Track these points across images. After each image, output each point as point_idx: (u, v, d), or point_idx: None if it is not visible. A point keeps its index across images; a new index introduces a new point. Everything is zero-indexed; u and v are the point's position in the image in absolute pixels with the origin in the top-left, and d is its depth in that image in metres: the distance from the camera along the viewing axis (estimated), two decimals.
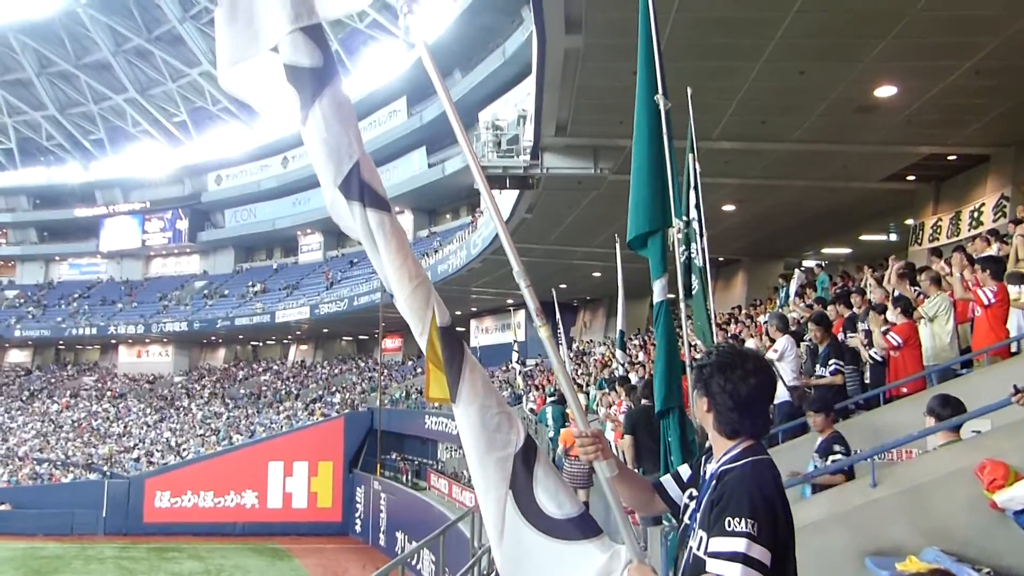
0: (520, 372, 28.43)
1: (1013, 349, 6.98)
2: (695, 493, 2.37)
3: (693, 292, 6.19)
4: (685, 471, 2.54)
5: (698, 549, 2.11)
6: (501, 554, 2.25)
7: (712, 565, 2.01)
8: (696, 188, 6.75)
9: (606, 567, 2.17)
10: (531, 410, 22.10)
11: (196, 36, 45.64)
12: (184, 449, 37.70)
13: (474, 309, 38.64)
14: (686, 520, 2.35)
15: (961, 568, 4.04)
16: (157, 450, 38.37)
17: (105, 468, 36.13)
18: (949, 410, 5.05)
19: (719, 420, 2.27)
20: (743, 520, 2.00)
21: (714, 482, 2.19)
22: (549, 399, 17.78)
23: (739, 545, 1.97)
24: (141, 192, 55.36)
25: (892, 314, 7.85)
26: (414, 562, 20.27)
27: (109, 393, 47.97)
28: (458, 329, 2.41)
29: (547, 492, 2.24)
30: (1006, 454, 4.32)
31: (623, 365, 13.25)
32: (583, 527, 2.22)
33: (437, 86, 2.38)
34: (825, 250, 24.11)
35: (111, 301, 53.24)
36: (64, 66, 49.82)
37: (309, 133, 2.35)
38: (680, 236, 5.87)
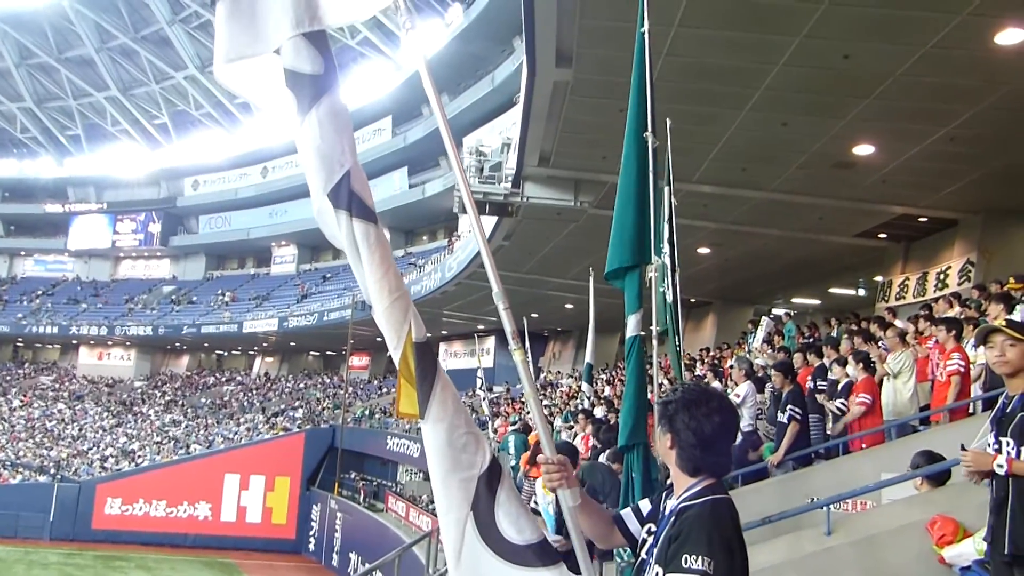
0: (485, 399, 28.30)
1: (971, 409, 7.12)
2: (654, 528, 2.38)
3: (664, 330, 6.24)
4: (645, 506, 2.55)
5: None
6: (458, 575, 2.24)
7: None
8: (671, 224, 6.84)
9: None
10: (493, 438, 21.95)
11: (184, 39, 45.47)
12: (139, 456, 36.87)
13: (444, 332, 38.49)
14: (643, 555, 2.35)
15: None
16: (111, 455, 37.47)
17: (55, 471, 35.16)
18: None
19: (682, 456, 2.29)
20: (700, 558, 2.01)
21: (673, 518, 2.21)
22: (511, 428, 17.71)
23: None
24: (115, 192, 54.58)
25: (852, 368, 7.97)
26: None
27: (66, 394, 46.86)
28: None
29: (508, 517, 2.25)
30: (957, 511, 4.40)
31: (588, 398, 13.27)
32: (541, 554, 2.23)
33: (433, 101, 2.43)
34: (795, 299, 24.48)
35: (75, 300, 52.22)
36: (45, 58, 49.21)
37: (303, 139, 2.37)
38: (656, 274, 5.94)
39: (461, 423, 2.31)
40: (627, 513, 2.57)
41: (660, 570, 2.11)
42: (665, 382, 6.45)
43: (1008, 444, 3.33)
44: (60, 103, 52.09)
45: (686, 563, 2.02)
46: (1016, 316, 7.05)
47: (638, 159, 4.87)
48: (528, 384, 2.40)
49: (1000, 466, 3.34)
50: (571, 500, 2.33)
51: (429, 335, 2.37)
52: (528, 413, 19.51)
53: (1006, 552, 3.32)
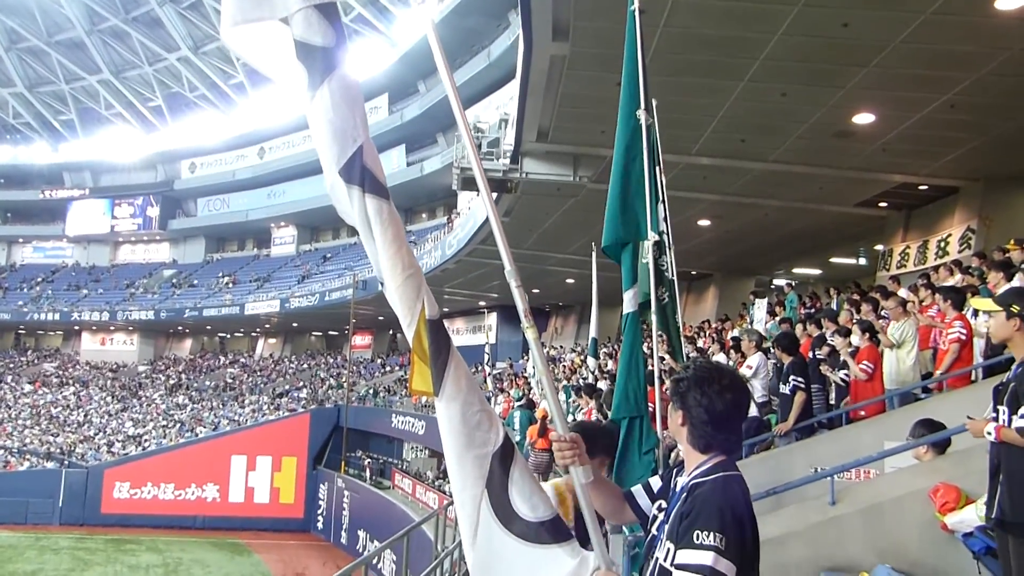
0: (490, 375, 28.47)
1: (972, 377, 7.17)
2: (664, 505, 2.40)
3: (664, 304, 6.27)
4: (656, 482, 2.58)
5: (665, 560, 2.15)
6: (473, 553, 2.26)
7: None
8: (663, 201, 6.84)
9: (575, 572, 2.21)
10: (499, 414, 22.11)
11: (176, 20, 45.03)
12: (146, 440, 37.12)
13: (446, 310, 38.59)
14: (653, 531, 2.38)
15: None
16: (118, 440, 37.72)
17: (63, 457, 35.42)
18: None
19: (693, 434, 2.31)
20: (712, 534, 2.04)
21: (684, 495, 2.23)
22: (516, 404, 17.82)
23: (707, 558, 2.01)
24: (112, 176, 54.43)
25: (857, 338, 8.01)
26: (376, 562, 20.19)
27: (71, 381, 47.05)
28: None
29: (522, 494, 2.26)
30: (959, 479, 4.46)
31: (594, 373, 13.33)
32: (554, 531, 2.25)
33: (441, 68, 2.39)
34: (796, 270, 24.49)
35: (76, 286, 52.25)
36: (35, 42, 48.75)
37: (315, 112, 2.33)
38: (653, 249, 5.95)
39: (475, 400, 2.31)
40: (638, 490, 2.60)
41: (671, 546, 2.14)
42: (667, 356, 6.48)
43: (1003, 412, 3.39)
44: (52, 87, 51.70)
45: (698, 539, 2.04)
46: (1016, 283, 7.08)
47: (630, 137, 4.88)
48: (541, 362, 2.42)
49: (989, 433, 3.42)
50: (583, 477, 2.35)
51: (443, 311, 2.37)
52: (533, 391, 19.61)
53: (994, 516, 3.43)
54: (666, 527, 2.25)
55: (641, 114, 5.21)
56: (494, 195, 17.81)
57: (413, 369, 2.41)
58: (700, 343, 15.83)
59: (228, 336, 53.68)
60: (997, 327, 3.60)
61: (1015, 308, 3.49)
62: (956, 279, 9.75)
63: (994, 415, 3.48)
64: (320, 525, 30.06)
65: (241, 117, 48.66)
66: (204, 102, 50.10)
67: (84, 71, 49.94)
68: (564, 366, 25.15)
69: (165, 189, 53.17)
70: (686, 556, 2.05)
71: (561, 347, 31.66)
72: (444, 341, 2.33)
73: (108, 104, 51.88)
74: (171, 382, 45.98)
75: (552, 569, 2.22)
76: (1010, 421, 3.37)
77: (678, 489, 2.33)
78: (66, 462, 34.31)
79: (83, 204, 54.77)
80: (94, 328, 50.74)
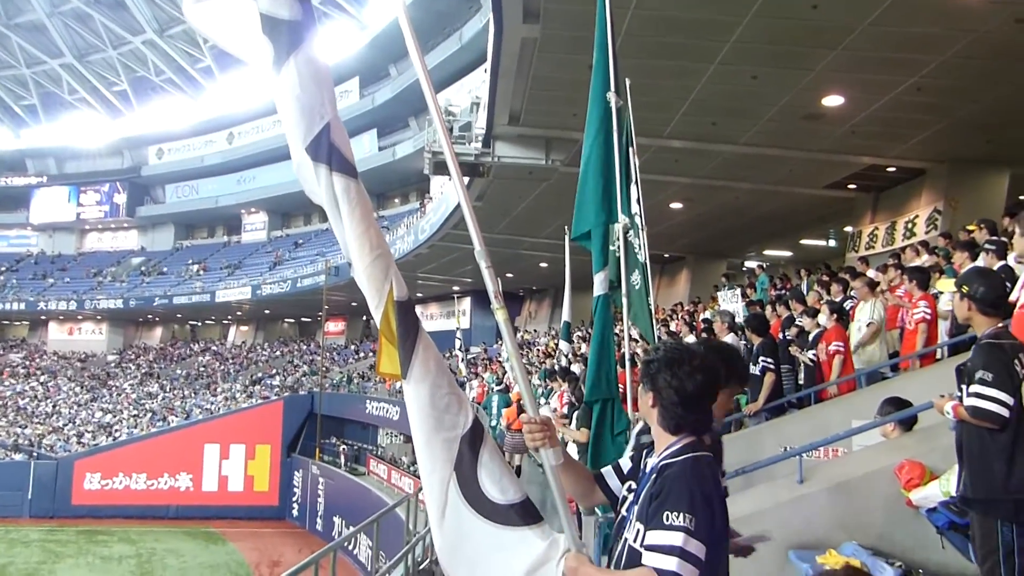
0: (463, 359, 28.44)
1: (938, 356, 7.29)
2: (634, 486, 2.40)
3: (636, 287, 6.29)
4: (626, 463, 2.58)
5: (634, 541, 2.15)
6: (441, 535, 2.26)
7: (648, 558, 2.05)
8: (636, 183, 6.85)
9: (544, 554, 2.21)
10: (474, 399, 22.13)
11: (140, 2, 44.03)
12: (116, 430, 36.64)
13: (420, 295, 38.45)
14: (623, 512, 2.38)
15: (876, 562, 4.24)
16: (88, 431, 37.18)
17: (31, 448, 34.84)
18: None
19: (663, 415, 2.31)
20: (681, 514, 2.04)
21: (654, 476, 2.24)
22: (496, 388, 17.84)
23: (676, 539, 2.02)
24: (76, 163, 53.33)
25: (824, 318, 8.11)
26: (350, 547, 20.18)
27: (38, 371, 46.23)
28: None
29: (491, 477, 2.25)
30: (924, 455, 4.53)
31: (567, 356, 13.35)
32: (524, 514, 2.24)
33: (412, 52, 2.35)
34: (767, 251, 24.72)
35: (42, 275, 51.24)
36: None
37: (281, 89, 2.28)
38: (623, 232, 5.96)
39: (444, 383, 2.30)
40: (608, 471, 2.60)
41: (641, 527, 2.14)
42: (639, 339, 6.52)
43: (964, 391, 3.46)
44: (13, 71, 50.38)
45: (667, 520, 2.05)
46: (980, 263, 7.19)
47: (601, 119, 4.87)
48: (511, 344, 2.40)
49: (948, 412, 3.49)
50: (553, 459, 2.35)
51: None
52: (508, 375, 19.64)
53: (955, 494, 3.53)
54: (636, 508, 2.26)
55: (611, 96, 5.20)
56: (466, 179, 17.78)
57: (381, 351, 2.38)
58: (672, 326, 15.95)
59: (199, 324, 53.05)
60: (956, 307, 3.69)
61: (965, 288, 3.55)
62: (923, 259, 9.91)
63: (959, 395, 3.54)
64: (295, 512, 29.94)
65: (209, 102, 47.85)
66: (171, 86, 49.17)
67: (46, 55, 48.72)
68: (538, 350, 25.24)
69: (132, 175, 52.20)
70: (656, 537, 2.06)
71: (535, 331, 31.73)
72: (412, 323, 2.31)
73: (72, 89, 50.71)
74: (142, 371, 45.38)
75: (522, 551, 2.22)
76: (961, 399, 3.45)
77: (648, 470, 2.33)
78: (35, 453, 33.77)
79: (47, 191, 53.62)
80: (61, 318, 49.84)
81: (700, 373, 2.27)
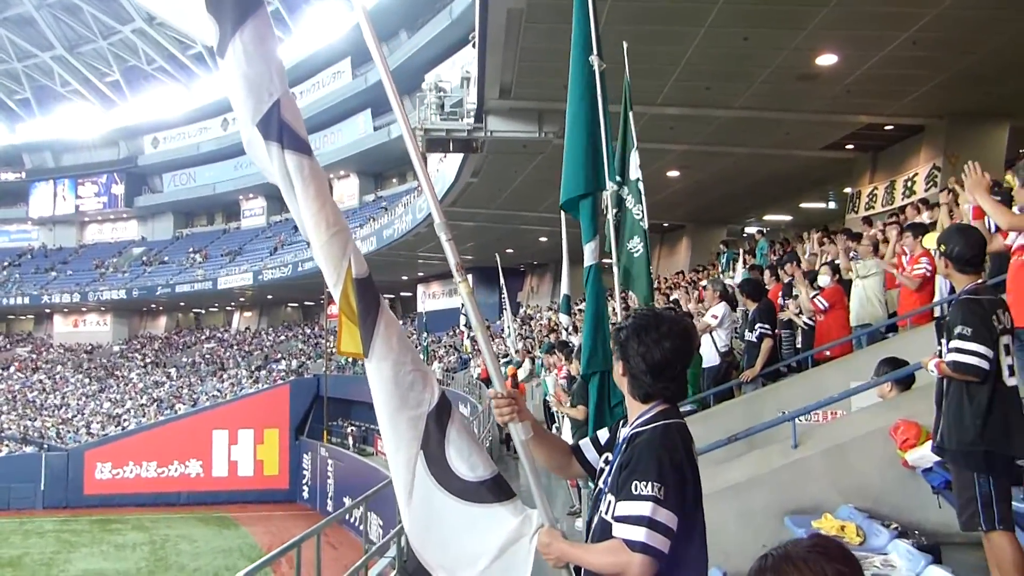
0: (469, 336, 28.46)
1: (936, 313, 7.19)
2: (610, 457, 2.34)
3: (636, 254, 6.16)
4: (604, 435, 2.51)
5: (606, 513, 2.09)
6: (409, 515, 2.22)
7: (617, 529, 1.99)
8: (636, 148, 6.70)
9: (517, 531, 2.16)
10: (478, 376, 22.15)
11: None
12: (125, 419, 36.88)
13: (421, 274, 38.38)
14: (600, 484, 2.32)
15: (872, 524, 4.19)
16: (97, 421, 37.44)
17: (42, 441, 35.13)
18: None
19: (633, 384, 2.24)
20: (650, 484, 1.98)
21: (624, 445, 2.17)
22: (502, 359, 17.83)
23: (645, 509, 1.95)
24: (73, 155, 53.15)
25: (823, 278, 8.01)
26: (359, 525, 20.29)
27: (45, 364, 46.48)
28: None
29: (460, 454, 2.21)
30: (920, 415, 4.46)
31: (567, 329, 13.30)
32: (495, 490, 2.20)
33: (372, 49, 2.28)
34: (767, 217, 24.57)
35: (44, 269, 51.33)
36: None
37: (228, 67, 2.22)
38: (614, 198, 5.84)
39: (407, 360, 2.26)
40: (585, 443, 2.53)
41: (612, 498, 2.08)
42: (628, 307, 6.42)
43: (944, 345, 3.53)
44: (5, 66, 50.14)
45: (636, 490, 1.98)
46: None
47: (584, 85, 4.73)
48: (475, 317, 2.34)
49: (931, 369, 3.51)
50: (523, 433, 2.29)
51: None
52: (509, 350, 19.62)
53: (936, 443, 3.60)
54: (610, 479, 2.20)
55: (594, 59, 5.06)
56: (460, 156, 17.64)
57: (341, 329, 2.33)
58: (674, 295, 15.85)
59: (203, 311, 53.17)
60: (937, 264, 3.68)
61: (943, 248, 3.64)
62: (924, 216, 9.77)
63: (939, 349, 3.59)
64: (306, 495, 30.17)
65: (202, 88, 47.58)
66: (163, 75, 48.87)
67: (36, 48, 48.42)
68: (541, 324, 25.20)
69: (129, 166, 52.08)
70: (625, 508, 2.00)
71: (537, 306, 31.68)
72: (373, 300, 2.26)
73: (64, 81, 50.45)
74: (148, 360, 45.57)
75: (494, 527, 2.17)
76: (941, 354, 3.51)
77: (621, 440, 2.26)
78: (46, 446, 34.04)
79: (46, 185, 53.58)
80: (65, 310, 50.02)
81: (668, 339, 2.18)
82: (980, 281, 3.56)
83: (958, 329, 3.38)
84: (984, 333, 3.34)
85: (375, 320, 2.24)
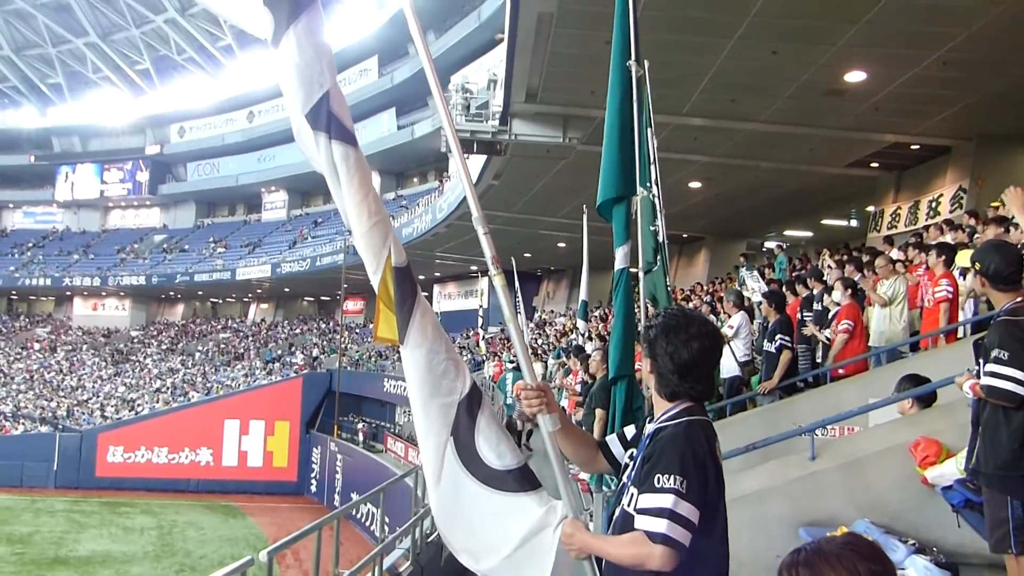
0: (484, 338, 28.53)
1: (960, 334, 7.16)
2: (635, 453, 2.39)
3: (654, 268, 6.19)
4: (630, 431, 2.55)
5: (628, 505, 2.13)
6: (437, 499, 2.27)
7: (639, 521, 2.03)
8: (655, 162, 6.73)
9: (541, 520, 2.20)
10: (490, 377, 22.20)
11: None
12: (139, 404, 37.21)
13: (438, 274, 38.50)
14: (624, 479, 2.36)
15: (888, 539, 4.18)
16: (111, 404, 37.80)
17: (56, 421, 35.53)
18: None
19: (660, 382, 2.28)
20: (672, 477, 2.02)
21: (649, 440, 2.21)
22: (511, 367, 17.86)
23: (667, 501, 1.99)
24: (100, 141, 53.74)
25: (839, 294, 7.97)
26: (366, 521, 20.41)
27: (64, 346, 46.99)
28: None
29: (488, 442, 2.26)
30: (940, 433, 4.44)
31: (583, 335, 13.32)
32: (521, 480, 2.24)
33: (416, 36, 2.33)
34: (787, 232, 24.44)
35: (67, 252, 51.93)
36: (20, 4, 47.65)
37: (281, 58, 2.32)
38: (643, 206, 5.87)
39: (441, 348, 2.31)
40: (612, 439, 2.57)
41: (635, 491, 2.12)
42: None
43: (981, 366, 3.43)
44: (39, 51, 50.80)
45: (658, 483, 2.02)
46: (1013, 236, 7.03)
47: (622, 88, 4.76)
48: (508, 308, 2.39)
49: (965, 390, 3.46)
50: (550, 425, 2.33)
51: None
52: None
53: (971, 467, 3.51)
54: (633, 473, 2.24)
55: (632, 64, 5.09)
56: (483, 158, 17.70)
57: (378, 317, 2.40)
58: (691, 305, 15.85)
59: (220, 301, 53.56)
60: (973, 283, 3.62)
61: (978, 265, 3.50)
62: (947, 238, 9.70)
63: (977, 369, 3.50)
64: (314, 488, 30.28)
65: (230, 80, 47.96)
66: (192, 65, 49.34)
67: (70, 33, 49.02)
68: (555, 330, 25.23)
69: (155, 153, 52.59)
70: (647, 500, 2.04)
71: (552, 311, 31.69)
72: (410, 289, 2.33)
73: (95, 67, 51.04)
74: (163, 347, 45.96)
75: (519, 516, 2.22)
76: (979, 375, 3.41)
77: (646, 435, 2.30)
78: (60, 426, 34.40)
79: (72, 169, 54.20)
80: (86, 293, 50.56)
81: (697, 340, 2.22)
82: (1020, 300, 3.41)
83: (995, 352, 3.27)
84: (1022, 357, 3.21)
85: (412, 308, 2.30)
